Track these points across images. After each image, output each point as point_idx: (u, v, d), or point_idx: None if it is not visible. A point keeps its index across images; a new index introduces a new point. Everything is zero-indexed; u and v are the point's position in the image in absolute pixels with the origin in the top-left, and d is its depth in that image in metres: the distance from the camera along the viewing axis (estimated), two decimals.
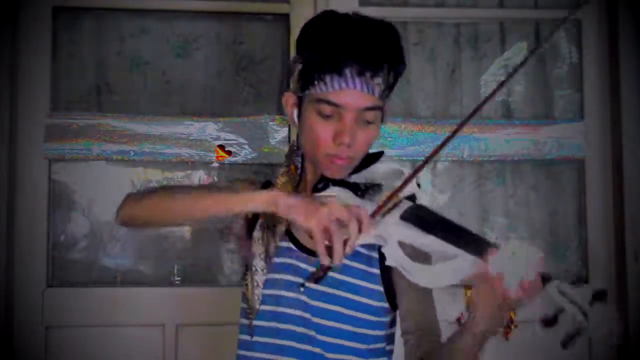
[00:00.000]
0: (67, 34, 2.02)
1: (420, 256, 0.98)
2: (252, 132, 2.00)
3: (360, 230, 0.95)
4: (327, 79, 1.07)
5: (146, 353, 1.94)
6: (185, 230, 2.04)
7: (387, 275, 1.13)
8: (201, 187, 1.34)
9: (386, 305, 1.14)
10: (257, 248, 1.18)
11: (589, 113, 2.09)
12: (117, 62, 2.04)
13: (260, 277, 1.16)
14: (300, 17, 2.02)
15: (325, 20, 1.14)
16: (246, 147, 2.00)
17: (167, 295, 1.97)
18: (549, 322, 0.86)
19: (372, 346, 1.15)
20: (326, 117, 1.09)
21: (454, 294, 1.97)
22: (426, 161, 1.05)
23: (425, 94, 2.12)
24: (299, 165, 1.20)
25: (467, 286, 1.99)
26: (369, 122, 1.11)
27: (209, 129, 1.99)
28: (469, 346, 0.97)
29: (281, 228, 1.16)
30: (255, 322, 1.16)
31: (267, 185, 1.27)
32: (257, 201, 1.02)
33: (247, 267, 1.19)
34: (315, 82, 1.09)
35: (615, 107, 2.06)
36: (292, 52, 2.02)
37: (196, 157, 1.99)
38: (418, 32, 2.13)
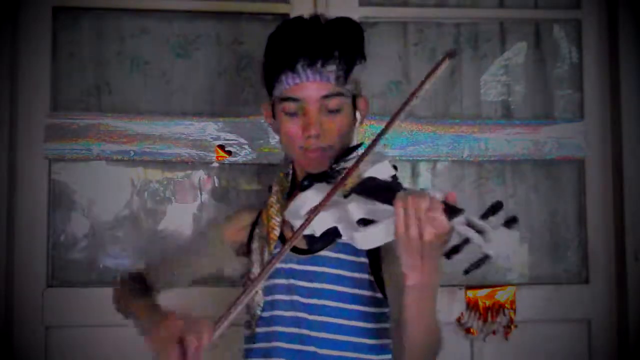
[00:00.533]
0: (67, 34, 2.02)
1: (393, 257, 0.99)
2: (252, 132, 2.00)
3: (198, 344, 0.96)
4: (283, 78, 1.14)
5: (146, 353, 1.93)
6: (185, 230, 2.04)
7: (376, 264, 1.14)
8: (163, 264, 1.41)
9: (380, 295, 1.15)
10: (254, 257, 1.22)
11: (589, 113, 2.09)
12: (117, 62, 2.04)
13: (257, 285, 1.17)
14: None
15: (282, 26, 1.21)
16: (246, 147, 2.00)
17: (167, 295, 1.96)
18: (451, 251, 0.84)
19: (372, 341, 1.15)
20: (292, 114, 1.15)
21: (454, 294, 1.97)
22: (377, 138, 1.03)
23: (425, 94, 2.11)
24: (290, 172, 1.25)
25: (467, 286, 1.99)
26: (334, 111, 1.15)
27: (209, 129, 1.99)
28: (412, 304, 0.94)
29: (275, 234, 1.19)
30: (256, 329, 1.19)
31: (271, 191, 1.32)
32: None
33: (248, 277, 1.21)
34: (275, 84, 1.17)
35: (615, 107, 2.06)
36: None
37: (196, 157, 1.99)
38: (418, 32, 2.13)
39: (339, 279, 1.15)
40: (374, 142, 1.01)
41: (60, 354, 1.92)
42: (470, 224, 0.83)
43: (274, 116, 1.22)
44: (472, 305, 1.98)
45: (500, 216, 0.84)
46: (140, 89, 2.05)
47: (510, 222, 0.82)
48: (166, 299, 1.94)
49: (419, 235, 0.86)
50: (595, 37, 2.10)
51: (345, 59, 1.15)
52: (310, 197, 1.11)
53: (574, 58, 2.14)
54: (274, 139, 2.00)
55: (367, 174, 1.04)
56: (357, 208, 0.98)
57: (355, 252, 1.15)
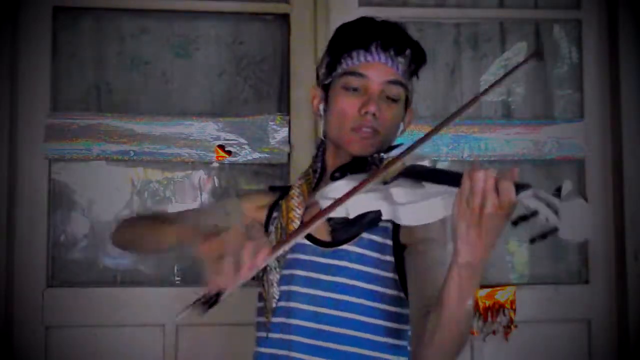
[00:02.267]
0: (67, 34, 2.02)
1: (421, 245, 1.01)
2: (252, 132, 2.00)
3: (256, 260, 0.91)
4: (354, 53, 1.15)
5: (146, 353, 1.94)
6: None
7: (401, 262, 1.12)
8: (179, 215, 1.32)
9: (402, 294, 1.13)
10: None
11: (589, 113, 2.09)
12: (117, 62, 2.04)
13: (274, 276, 1.18)
14: (300, 17, 2.02)
15: (357, 19, 1.24)
16: (246, 147, 2.00)
17: (167, 295, 1.97)
18: (520, 218, 0.81)
19: (392, 340, 1.14)
20: (353, 90, 1.16)
21: None
22: (430, 134, 1.01)
23: (425, 94, 2.12)
24: (317, 168, 1.23)
25: None
26: (393, 100, 1.17)
27: (209, 129, 1.99)
28: (458, 283, 0.88)
29: (294, 226, 1.17)
30: (272, 319, 1.17)
31: (273, 189, 1.33)
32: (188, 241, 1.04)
33: (263, 268, 1.19)
34: (342, 60, 1.17)
35: (615, 107, 2.06)
36: (292, 52, 2.02)
37: (196, 157, 1.99)
38: (418, 32, 2.13)
39: (361, 275, 1.13)
40: (427, 136, 0.98)
41: (60, 354, 1.92)
42: (538, 198, 0.81)
43: (326, 100, 1.21)
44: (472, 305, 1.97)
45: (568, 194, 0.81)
46: (140, 89, 2.05)
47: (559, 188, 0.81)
48: (162, 297, 1.95)
49: (480, 207, 0.82)
50: (595, 37, 2.10)
51: (414, 59, 1.18)
52: (342, 187, 1.05)
53: (574, 58, 2.14)
54: (274, 139, 2.00)
55: (407, 162, 1.01)
56: (402, 192, 0.94)
57: (381, 249, 1.14)
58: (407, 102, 1.23)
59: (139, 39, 2.06)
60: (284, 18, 2.06)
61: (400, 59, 1.16)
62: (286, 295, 1.16)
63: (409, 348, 1.16)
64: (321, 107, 1.22)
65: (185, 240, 1.05)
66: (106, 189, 2.02)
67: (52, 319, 1.91)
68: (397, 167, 0.99)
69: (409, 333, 1.16)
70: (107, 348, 1.92)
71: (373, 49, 1.15)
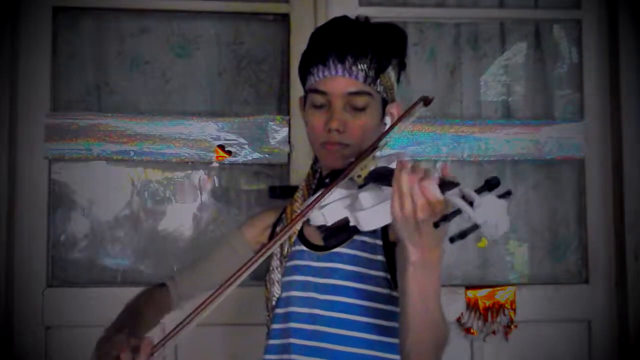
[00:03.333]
0: (67, 34, 2.02)
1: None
2: (252, 132, 2.00)
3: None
4: (314, 69, 1.15)
5: None
6: (185, 230, 2.04)
7: (393, 261, 1.13)
8: (192, 271, 1.39)
9: (395, 293, 1.14)
10: (275, 249, 1.20)
11: (589, 113, 2.09)
12: (117, 62, 2.04)
13: (276, 276, 1.21)
14: (300, 17, 2.02)
15: (327, 23, 1.22)
16: (246, 147, 2.00)
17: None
18: (441, 219, 0.82)
19: (388, 339, 1.14)
20: (319, 107, 1.16)
21: (454, 294, 1.98)
22: (390, 128, 1.06)
23: (425, 94, 2.11)
24: (317, 169, 1.26)
25: (467, 286, 1.99)
26: (359, 109, 1.15)
27: (209, 129, 1.99)
28: (415, 282, 0.91)
29: (295, 228, 1.16)
30: (272, 326, 1.20)
31: (271, 191, 1.34)
32: None
33: (267, 269, 1.23)
34: (308, 76, 1.17)
35: (615, 107, 2.06)
36: (292, 52, 2.02)
37: (196, 157, 1.99)
38: (418, 32, 2.13)
39: (355, 276, 1.15)
40: (386, 132, 1.04)
41: (60, 354, 1.92)
42: (464, 197, 0.82)
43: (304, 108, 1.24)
44: (472, 305, 1.98)
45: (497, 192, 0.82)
46: (140, 88, 2.05)
47: (504, 195, 0.81)
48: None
49: (413, 211, 0.85)
50: (595, 37, 2.10)
51: (377, 59, 1.15)
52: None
53: (574, 58, 2.14)
54: (274, 139, 2.00)
55: (380, 164, 1.04)
56: (367, 197, 0.97)
57: (373, 249, 1.16)
58: (386, 100, 1.20)
59: (139, 39, 2.06)
60: (284, 18, 2.06)
61: (361, 66, 1.13)
62: (285, 301, 1.19)
63: None
64: (304, 115, 1.25)
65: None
66: (106, 189, 2.02)
67: (52, 319, 1.91)
68: (367, 164, 1.02)
69: None
70: None
71: (330, 62, 1.13)
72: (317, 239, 1.17)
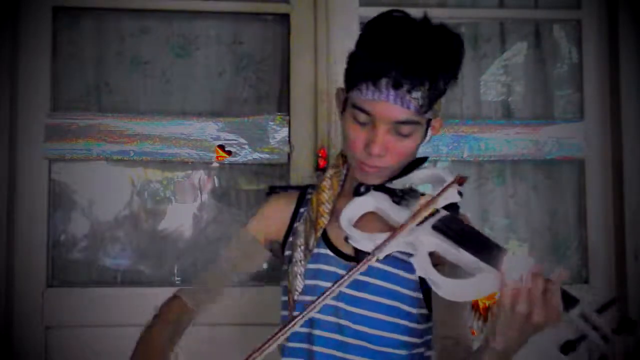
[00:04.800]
0: (67, 34, 2.02)
1: (450, 269, 0.96)
2: (252, 132, 2.00)
3: None
4: (363, 86, 1.05)
5: None
6: (185, 230, 2.04)
7: (426, 281, 1.12)
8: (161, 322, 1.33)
9: (424, 311, 1.13)
10: (299, 240, 1.18)
11: (589, 113, 2.09)
12: (117, 62, 2.04)
13: (299, 269, 1.16)
14: (300, 17, 2.02)
15: (382, 21, 1.11)
16: (246, 147, 2.00)
17: (167, 295, 1.96)
18: (568, 348, 0.83)
19: (412, 351, 1.14)
20: (360, 123, 1.08)
21: None
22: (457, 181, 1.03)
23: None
24: (345, 171, 1.21)
25: None
26: (405, 135, 1.08)
27: (209, 129, 1.99)
28: None
29: (323, 220, 1.15)
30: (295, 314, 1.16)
31: (271, 191, 1.30)
32: None
33: (290, 260, 1.19)
34: (354, 87, 1.07)
35: (615, 107, 2.06)
36: (292, 52, 2.02)
37: (196, 157, 1.99)
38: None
39: (384, 292, 1.12)
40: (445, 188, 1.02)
41: (60, 354, 1.92)
42: (586, 318, 0.82)
43: (344, 109, 1.14)
44: (472, 305, 1.97)
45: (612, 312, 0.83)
46: (140, 88, 2.05)
47: (629, 326, 0.82)
48: (163, 297, 1.94)
49: (527, 313, 0.84)
50: (595, 37, 2.10)
51: (434, 88, 1.06)
52: (365, 204, 1.09)
53: (574, 58, 2.14)
54: (274, 139, 2.00)
55: (439, 204, 1.02)
56: (431, 242, 0.96)
57: (405, 267, 1.12)
58: (430, 120, 1.14)
59: (139, 39, 2.06)
60: (284, 18, 2.05)
61: (416, 94, 1.04)
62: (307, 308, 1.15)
63: (425, 354, 1.17)
64: (340, 107, 1.17)
65: None
66: (106, 189, 2.02)
67: (52, 319, 1.91)
68: (424, 201, 1.02)
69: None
70: (107, 348, 1.92)
71: (383, 86, 1.02)
72: (343, 244, 1.13)
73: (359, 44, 1.11)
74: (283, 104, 2.06)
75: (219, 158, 1.99)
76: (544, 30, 2.16)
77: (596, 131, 2.08)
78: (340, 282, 0.92)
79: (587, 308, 0.83)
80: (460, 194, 1.06)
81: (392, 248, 0.97)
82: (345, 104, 1.13)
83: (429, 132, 1.16)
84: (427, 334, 1.16)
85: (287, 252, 1.23)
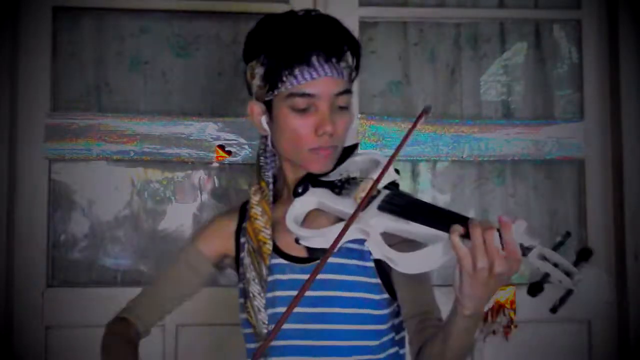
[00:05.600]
0: (67, 34, 2.02)
1: (405, 244, 0.96)
2: (252, 132, 1.99)
3: None
4: (297, 72, 1.07)
5: (146, 353, 1.92)
6: (185, 230, 2.04)
7: (381, 266, 1.11)
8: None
9: (386, 296, 1.13)
10: (250, 274, 1.16)
11: (589, 113, 2.09)
12: (117, 62, 2.04)
13: (259, 302, 1.14)
14: None
15: (274, 21, 1.15)
16: (246, 147, 2.00)
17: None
18: (535, 289, 0.84)
19: (382, 339, 1.14)
20: (301, 111, 1.09)
21: (452, 294, 1.97)
22: (397, 149, 1.03)
23: (425, 94, 2.12)
24: (270, 180, 1.18)
25: None
26: (342, 108, 1.11)
27: (209, 129, 1.99)
28: (463, 329, 0.94)
29: (268, 247, 1.14)
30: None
31: (243, 208, 1.26)
32: None
33: (245, 295, 1.17)
34: (284, 79, 1.08)
35: (615, 107, 2.06)
36: None
37: (196, 157, 1.99)
38: (418, 32, 2.13)
39: (344, 285, 1.12)
40: (393, 155, 1.01)
41: (60, 354, 1.92)
42: (545, 258, 0.83)
43: (270, 115, 1.14)
44: None
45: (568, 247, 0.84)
46: (140, 88, 2.05)
47: (585, 254, 0.84)
48: None
49: (488, 267, 0.84)
50: (595, 37, 2.10)
51: (354, 55, 1.13)
52: (308, 202, 1.09)
53: (574, 58, 2.14)
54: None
55: (381, 185, 1.02)
56: (380, 223, 0.96)
57: (360, 255, 1.13)
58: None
59: (139, 39, 2.06)
60: None
61: (343, 64, 1.10)
62: (272, 319, 1.13)
63: (395, 338, 1.16)
64: (263, 120, 1.16)
65: None
66: (106, 189, 2.02)
67: (52, 319, 1.91)
68: (372, 188, 1.00)
69: (404, 334, 1.17)
70: None
71: (315, 62, 1.06)
72: (294, 249, 1.12)
73: (267, 43, 1.12)
74: None
75: (219, 158, 1.99)
76: (544, 30, 2.16)
77: (596, 131, 2.08)
78: (305, 284, 0.91)
79: (544, 249, 0.84)
80: (397, 171, 1.08)
81: (345, 238, 0.97)
82: (271, 107, 1.13)
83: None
84: (393, 318, 1.15)
85: (241, 270, 1.21)
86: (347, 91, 1.11)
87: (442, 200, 2.10)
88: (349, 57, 1.12)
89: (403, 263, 0.93)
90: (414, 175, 2.11)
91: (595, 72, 2.09)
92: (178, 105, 2.05)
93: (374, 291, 1.13)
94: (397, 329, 1.17)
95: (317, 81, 1.07)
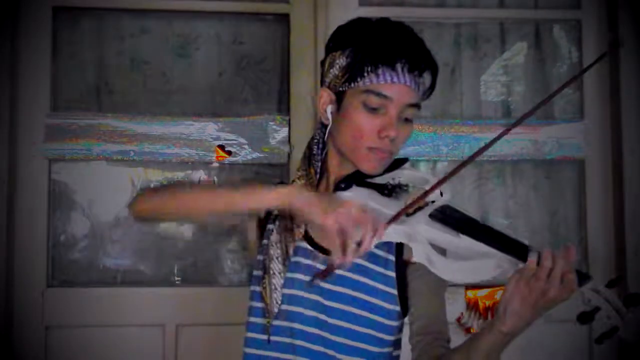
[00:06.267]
0: (67, 34, 2.02)
1: (451, 253, 1.00)
2: (252, 132, 2.00)
3: (374, 235, 0.96)
4: (380, 71, 1.10)
5: (146, 353, 1.94)
6: (185, 230, 2.04)
7: (402, 278, 1.13)
8: (219, 185, 1.33)
9: (398, 308, 1.14)
10: (274, 251, 1.18)
11: (589, 113, 2.09)
12: (117, 62, 2.04)
13: (278, 281, 1.16)
14: (300, 17, 2.02)
15: (368, 22, 1.19)
16: (246, 147, 2.00)
17: (167, 295, 1.97)
18: (586, 318, 0.89)
19: (384, 349, 1.15)
20: (372, 109, 1.12)
21: (454, 294, 1.97)
22: (459, 168, 1.06)
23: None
24: (318, 170, 1.19)
25: (467, 286, 1.99)
26: (408, 120, 1.14)
27: (209, 129, 1.99)
28: (492, 346, 0.97)
29: (300, 231, 1.16)
30: (272, 322, 1.16)
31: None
32: (274, 196, 1.04)
33: (265, 270, 1.18)
34: (366, 74, 1.11)
35: (615, 107, 2.06)
36: (292, 52, 2.02)
37: (196, 157, 1.99)
38: (418, 32, 2.12)
39: (364, 288, 1.13)
40: (456, 169, 1.05)
41: (60, 354, 1.92)
42: (597, 291, 0.89)
43: (338, 106, 1.16)
44: (472, 305, 1.98)
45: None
46: (140, 89, 2.05)
47: (636, 299, 0.88)
48: (162, 297, 1.95)
49: (542, 292, 0.90)
50: (595, 37, 2.10)
51: (433, 76, 1.17)
52: (350, 199, 1.09)
53: (574, 58, 2.14)
54: (274, 139, 2.00)
55: (430, 198, 1.05)
56: (428, 231, 0.99)
57: (384, 263, 1.14)
58: None
59: (139, 39, 2.06)
60: (284, 18, 2.05)
61: (422, 80, 1.14)
62: (288, 299, 1.15)
63: (393, 354, 1.17)
64: (329, 109, 1.17)
65: (264, 200, 1.06)
66: (106, 189, 2.02)
67: (52, 319, 1.91)
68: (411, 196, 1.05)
69: (400, 352, 1.19)
70: (107, 348, 1.92)
71: (399, 69, 1.10)
72: (324, 240, 1.14)
73: (358, 39, 1.15)
74: (283, 104, 2.06)
75: (219, 158, 1.99)
76: (544, 30, 2.16)
77: (596, 131, 2.08)
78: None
79: (595, 283, 0.90)
80: (440, 193, 1.10)
81: (390, 236, 1.00)
82: (341, 99, 1.15)
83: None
84: (397, 333, 1.17)
85: (264, 241, 1.22)
86: (417, 105, 1.14)
87: (441, 200, 2.10)
88: (427, 75, 1.16)
89: (444, 267, 0.96)
90: None
91: (595, 72, 2.09)
92: (178, 105, 2.05)
93: (390, 301, 1.14)
94: (397, 345, 1.18)
95: (396, 86, 1.10)
